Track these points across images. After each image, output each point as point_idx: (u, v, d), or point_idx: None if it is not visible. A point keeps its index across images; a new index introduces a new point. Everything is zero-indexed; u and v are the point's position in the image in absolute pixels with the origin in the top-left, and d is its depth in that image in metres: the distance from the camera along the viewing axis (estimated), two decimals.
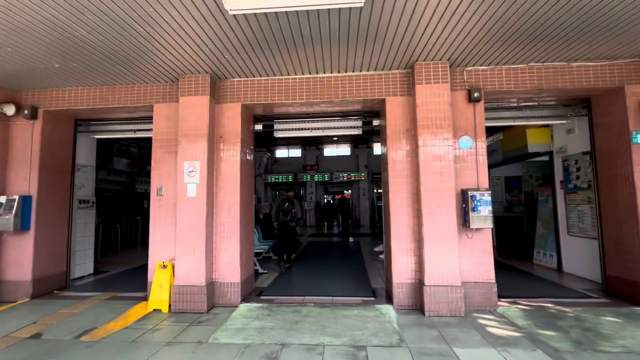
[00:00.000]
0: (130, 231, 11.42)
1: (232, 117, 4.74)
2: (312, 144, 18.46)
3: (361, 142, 18.27)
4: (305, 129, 5.40)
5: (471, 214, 4.11)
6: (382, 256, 7.72)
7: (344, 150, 19.57)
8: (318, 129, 5.39)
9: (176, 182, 4.51)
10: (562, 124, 5.80)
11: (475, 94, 4.32)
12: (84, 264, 6.17)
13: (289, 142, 18.14)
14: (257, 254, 6.43)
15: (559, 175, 6.09)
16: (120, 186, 12.59)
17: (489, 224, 4.11)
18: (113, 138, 7.20)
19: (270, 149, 19.32)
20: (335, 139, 17.02)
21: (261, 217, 10.40)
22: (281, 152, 19.81)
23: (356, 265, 6.96)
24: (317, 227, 17.70)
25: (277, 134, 5.51)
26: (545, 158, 7.17)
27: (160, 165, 4.80)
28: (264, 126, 5.50)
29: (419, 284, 4.25)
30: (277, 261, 7.32)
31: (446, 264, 4.05)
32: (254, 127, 5.39)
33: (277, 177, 18.53)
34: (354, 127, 5.39)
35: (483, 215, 4.10)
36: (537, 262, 6.73)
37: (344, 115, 5.39)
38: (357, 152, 18.85)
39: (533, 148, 6.31)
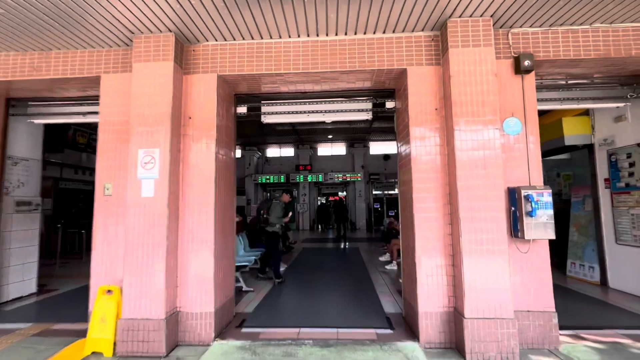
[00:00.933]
0: None
1: (205, 92, 3.61)
2: (306, 143, 17.37)
3: (357, 141, 17.29)
4: (301, 112, 4.30)
5: (526, 220, 3.06)
6: (388, 267, 6.66)
7: (339, 149, 18.52)
8: (316, 112, 4.29)
9: (128, 176, 3.35)
10: (608, 110, 4.84)
11: (526, 62, 3.29)
12: (22, 282, 4.92)
13: (281, 141, 17.00)
14: (241, 268, 5.29)
15: (602, 172, 5.12)
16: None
17: (550, 234, 3.07)
18: (62, 124, 5.95)
19: (261, 147, 18.16)
20: (330, 137, 15.98)
21: (248, 221, 9.22)
22: (273, 151, 18.65)
23: (360, 279, 5.87)
24: (310, 231, 16.56)
25: (266, 119, 4.39)
26: (564, 156, 6.27)
27: (109, 155, 3.64)
28: (249, 109, 4.38)
29: (454, 314, 3.17)
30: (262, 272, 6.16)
31: (494, 288, 2.99)
32: (235, 109, 4.27)
33: (268, 177, 17.38)
34: (362, 110, 4.31)
35: (542, 221, 3.06)
36: (571, 274, 5.75)
37: (349, 95, 4.31)
38: (353, 151, 17.82)
39: (570, 140, 5.34)
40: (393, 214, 16.68)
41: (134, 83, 3.39)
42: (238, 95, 4.27)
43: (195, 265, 3.41)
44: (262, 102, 4.37)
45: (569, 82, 4.04)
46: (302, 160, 17.79)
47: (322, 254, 9.12)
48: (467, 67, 3.22)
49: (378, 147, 17.92)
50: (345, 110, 4.31)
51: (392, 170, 17.60)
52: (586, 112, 5.32)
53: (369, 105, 4.29)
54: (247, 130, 13.50)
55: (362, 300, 4.59)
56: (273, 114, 4.36)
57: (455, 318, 3.16)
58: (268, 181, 17.39)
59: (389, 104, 4.21)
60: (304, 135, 15.33)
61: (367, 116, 4.33)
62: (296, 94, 4.26)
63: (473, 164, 3.12)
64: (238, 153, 17.91)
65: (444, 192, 3.36)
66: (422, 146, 3.42)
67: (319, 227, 17.54)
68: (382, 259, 7.25)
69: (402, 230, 3.89)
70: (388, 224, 9.74)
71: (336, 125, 13.20)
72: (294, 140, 16.74)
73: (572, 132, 5.33)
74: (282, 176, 17.28)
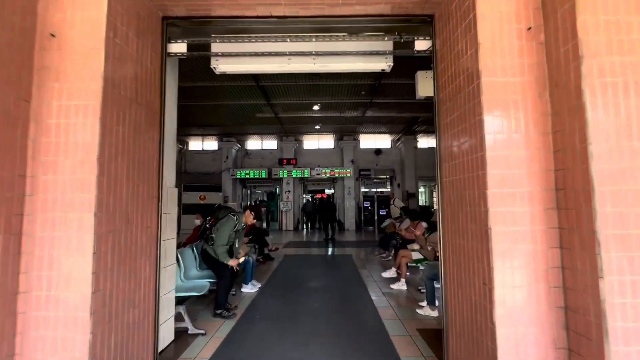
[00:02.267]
0: None
1: None
2: (290, 134, 15.64)
3: (347, 134, 15.70)
4: (276, 53, 2.62)
5: None
6: (395, 286, 5.11)
7: (327, 142, 16.92)
8: (302, 54, 2.63)
9: None
10: None
11: None
12: None
13: (263, 131, 15.19)
14: (183, 300, 3.57)
15: None
16: None
17: None
18: None
19: (241, 139, 16.31)
20: (317, 127, 14.31)
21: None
22: (253, 144, 16.86)
23: (361, 308, 4.24)
24: (294, 233, 14.89)
25: (220, 66, 2.68)
26: None
27: None
28: (192, 47, 2.66)
29: None
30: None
31: None
32: (165, 43, 2.53)
33: (248, 172, 15.58)
34: (375, 52, 2.67)
35: None
36: None
37: (353, 30, 2.67)
38: (342, 144, 16.26)
39: None
40: (385, 212, 15.23)
41: None
42: (170, 20, 2.53)
43: (52, 331, 1.69)
44: (214, 36, 2.65)
45: None
46: (286, 154, 16.10)
47: (308, 264, 7.46)
48: None
49: (369, 141, 16.44)
50: (349, 53, 2.65)
51: (384, 166, 16.18)
52: None
53: (388, 44, 2.65)
54: (223, 118, 11.72)
55: (369, 353, 2.97)
56: (231, 57, 2.65)
57: None
58: (248, 176, 15.61)
59: (421, 44, 2.59)
60: (288, 125, 13.63)
61: (385, 64, 2.69)
62: (270, 22, 2.57)
63: (622, 130, 1.54)
64: (214, 145, 16.07)
65: (542, 186, 1.77)
66: (499, 100, 1.82)
67: (304, 227, 15.95)
68: (385, 275, 5.66)
69: (446, 250, 2.28)
70: (387, 228, 8.23)
71: (324, 113, 11.60)
72: (277, 131, 14.99)
73: None
74: (264, 171, 15.53)
